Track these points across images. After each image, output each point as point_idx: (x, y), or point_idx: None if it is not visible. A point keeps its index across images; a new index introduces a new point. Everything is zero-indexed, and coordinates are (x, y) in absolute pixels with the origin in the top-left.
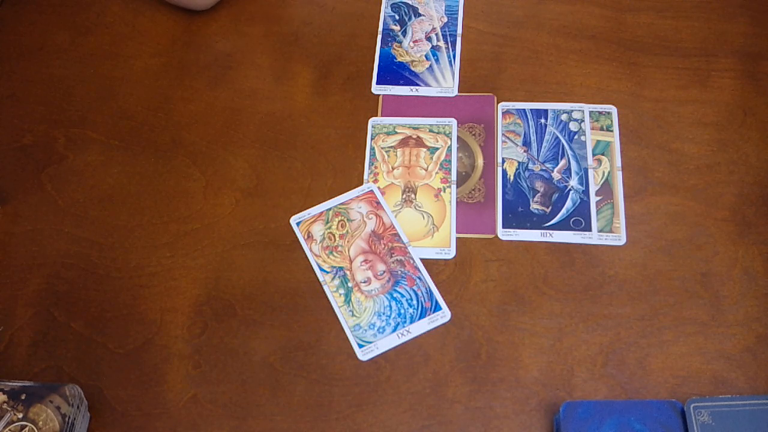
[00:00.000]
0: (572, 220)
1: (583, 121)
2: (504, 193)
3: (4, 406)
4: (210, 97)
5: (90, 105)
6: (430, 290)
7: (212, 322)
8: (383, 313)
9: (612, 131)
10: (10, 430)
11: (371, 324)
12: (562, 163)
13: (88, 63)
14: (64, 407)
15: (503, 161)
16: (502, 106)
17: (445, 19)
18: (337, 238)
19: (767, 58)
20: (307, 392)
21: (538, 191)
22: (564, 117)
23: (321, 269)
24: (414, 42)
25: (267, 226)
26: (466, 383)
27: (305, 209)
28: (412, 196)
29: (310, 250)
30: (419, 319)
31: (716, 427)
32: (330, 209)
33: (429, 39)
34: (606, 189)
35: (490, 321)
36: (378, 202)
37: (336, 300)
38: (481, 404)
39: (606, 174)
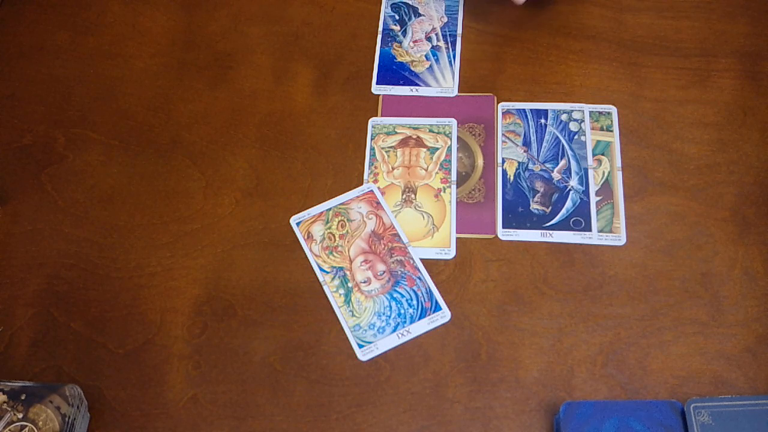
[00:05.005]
0: (572, 220)
1: (583, 121)
2: (504, 193)
3: (4, 406)
4: (210, 97)
5: (90, 105)
6: (430, 290)
7: (212, 323)
8: (383, 314)
9: (612, 131)
10: (10, 430)
11: (371, 324)
12: (562, 163)
13: (88, 63)
14: (64, 407)
15: (503, 161)
16: (502, 106)
17: (445, 19)
18: (337, 238)
19: (767, 58)
20: (307, 392)
21: (538, 191)
22: (564, 117)
23: (321, 269)
24: (414, 42)
25: (267, 226)
26: (466, 383)
27: (305, 209)
28: (412, 196)
29: (310, 250)
30: (419, 319)
31: (716, 427)
32: (330, 209)
33: (429, 39)
34: (606, 189)
35: (490, 321)
36: (378, 202)
37: (336, 300)
38: (481, 404)
39: (606, 174)
